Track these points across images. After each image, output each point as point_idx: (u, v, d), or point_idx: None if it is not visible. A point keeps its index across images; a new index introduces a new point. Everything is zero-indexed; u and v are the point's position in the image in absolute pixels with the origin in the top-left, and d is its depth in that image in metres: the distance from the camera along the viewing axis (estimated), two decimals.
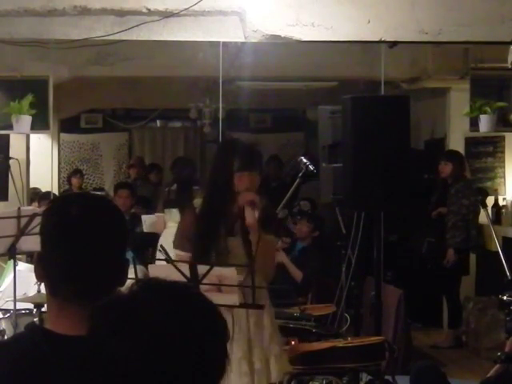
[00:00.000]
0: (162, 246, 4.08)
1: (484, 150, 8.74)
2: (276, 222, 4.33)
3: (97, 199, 1.95)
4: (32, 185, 8.34)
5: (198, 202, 4.17)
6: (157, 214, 7.87)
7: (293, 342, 5.45)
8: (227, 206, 4.07)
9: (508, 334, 4.86)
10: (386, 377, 5.14)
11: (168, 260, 3.94)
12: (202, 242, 4.04)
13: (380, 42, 6.45)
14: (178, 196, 7.87)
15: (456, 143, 8.60)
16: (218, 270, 3.80)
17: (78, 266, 1.80)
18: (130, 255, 6.69)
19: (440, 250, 8.11)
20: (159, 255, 4.93)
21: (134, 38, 6.31)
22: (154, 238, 7.68)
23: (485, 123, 7.56)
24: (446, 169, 8.12)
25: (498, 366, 4.22)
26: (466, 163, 8.28)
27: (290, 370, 4.44)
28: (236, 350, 3.89)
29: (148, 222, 7.92)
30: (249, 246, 4.00)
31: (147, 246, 8.11)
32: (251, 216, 3.96)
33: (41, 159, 8.79)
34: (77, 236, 1.81)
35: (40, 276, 1.87)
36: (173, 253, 4.16)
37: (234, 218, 4.09)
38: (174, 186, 7.99)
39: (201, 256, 4.02)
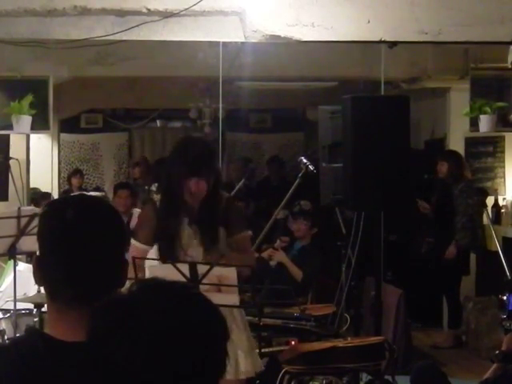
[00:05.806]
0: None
1: (484, 150, 8.74)
2: (243, 218, 4.31)
3: (93, 201, 1.91)
4: (32, 185, 8.33)
5: (157, 197, 4.23)
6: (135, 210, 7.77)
7: (293, 342, 5.46)
8: (181, 200, 4.08)
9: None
10: (386, 377, 5.13)
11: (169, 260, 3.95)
12: (163, 233, 4.09)
13: (380, 42, 6.46)
14: None
15: (456, 143, 8.60)
16: (217, 270, 3.81)
17: (76, 270, 1.78)
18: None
19: (440, 250, 8.11)
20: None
21: (134, 38, 6.32)
22: None
23: (485, 123, 7.55)
24: (442, 168, 8.13)
25: (495, 365, 4.19)
26: (466, 163, 8.27)
27: (260, 369, 4.29)
28: None
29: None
30: (204, 236, 4.04)
31: None
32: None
33: (41, 159, 8.79)
34: (74, 240, 1.78)
35: (39, 280, 1.85)
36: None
37: (190, 209, 4.11)
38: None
39: (165, 248, 4.08)
